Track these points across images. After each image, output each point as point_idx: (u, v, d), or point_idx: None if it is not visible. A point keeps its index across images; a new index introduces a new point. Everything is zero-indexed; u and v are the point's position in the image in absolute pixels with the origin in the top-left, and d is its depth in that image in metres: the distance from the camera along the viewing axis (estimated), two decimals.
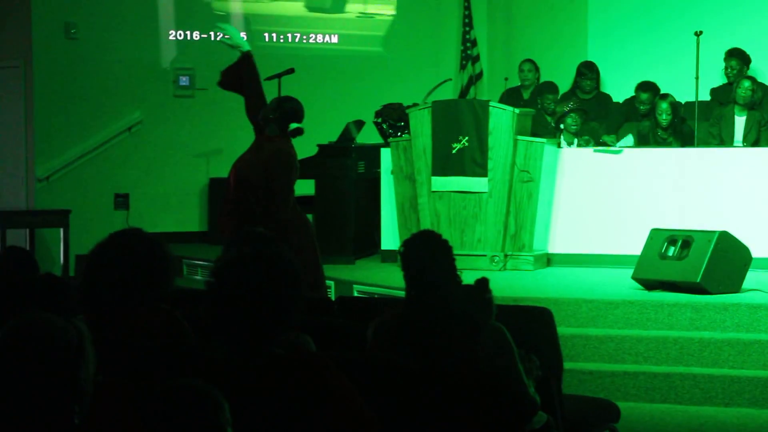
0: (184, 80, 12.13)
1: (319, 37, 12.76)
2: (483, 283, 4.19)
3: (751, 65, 11.14)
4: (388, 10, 13.12)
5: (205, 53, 12.22)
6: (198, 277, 10.31)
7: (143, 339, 4.07)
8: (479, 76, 12.88)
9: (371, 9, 13.04)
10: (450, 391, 4.01)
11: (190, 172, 11.91)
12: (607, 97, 11.67)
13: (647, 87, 11.24)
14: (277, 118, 7.53)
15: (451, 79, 12.20)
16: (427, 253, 4.19)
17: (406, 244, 4.27)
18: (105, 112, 11.74)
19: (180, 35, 12.14)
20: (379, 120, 10.64)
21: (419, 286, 4.14)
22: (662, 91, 10.54)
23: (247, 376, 3.33)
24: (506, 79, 12.43)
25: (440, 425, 3.98)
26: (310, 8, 12.78)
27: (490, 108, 9.46)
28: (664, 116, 10.08)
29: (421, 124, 9.57)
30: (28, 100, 11.49)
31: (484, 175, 9.41)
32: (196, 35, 12.21)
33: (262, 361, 3.34)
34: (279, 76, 10.52)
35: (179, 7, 12.16)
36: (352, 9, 12.95)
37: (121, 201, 11.71)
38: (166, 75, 12.09)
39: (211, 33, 12.27)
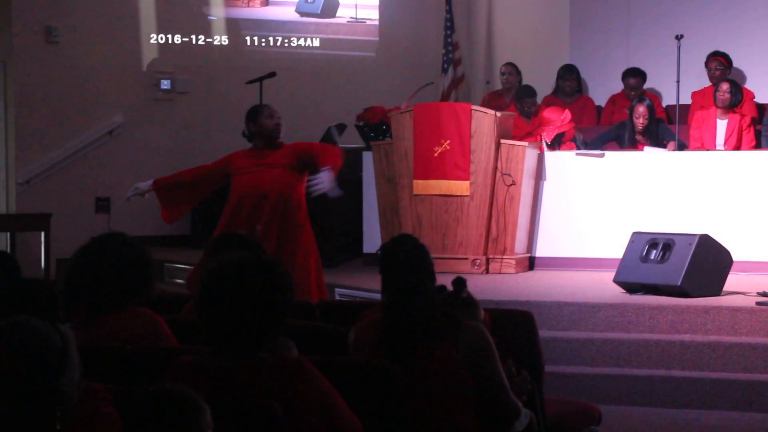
0: (165, 83, 12.11)
1: (301, 41, 12.76)
2: (459, 282, 4.19)
3: (733, 68, 11.19)
4: (377, 15, 13.13)
5: (186, 57, 12.21)
6: (179, 281, 10.28)
7: (124, 343, 4.07)
8: (461, 79, 12.89)
9: (361, 14, 13.05)
10: (431, 393, 4.02)
11: None
12: (589, 100, 11.72)
13: (635, 72, 11.28)
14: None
15: (432, 83, 12.21)
16: (405, 256, 4.19)
17: (384, 248, 4.27)
18: (86, 116, 11.71)
19: (161, 38, 12.12)
20: (361, 123, 10.65)
21: (397, 289, 4.15)
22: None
23: (231, 379, 3.33)
24: (488, 82, 12.46)
25: (422, 427, 3.99)
26: (302, 13, 12.79)
27: (472, 111, 9.47)
28: (641, 120, 10.11)
29: (403, 127, 9.58)
30: (8, 104, 11.46)
31: (466, 178, 9.42)
32: (177, 38, 12.19)
33: (246, 365, 3.34)
34: (260, 79, 10.52)
35: (160, 10, 12.15)
36: (342, 14, 12.96)
37: (103, 204, 11.67)
38: (147, 78, 12.07)
39: (192, 36, 12.26)
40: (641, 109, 10.13)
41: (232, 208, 7.30)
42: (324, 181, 7.03)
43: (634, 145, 10.12)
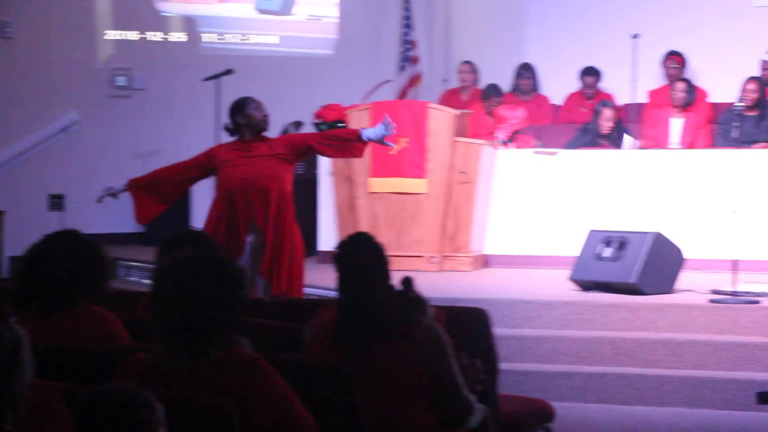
0: (120, 80, 12.06)
1: (258, 39, 12.75)
2: (407, 281, 4.19)
3: (688, 68, 11.29)
4: (335, 13, 13.13)
5: (142, 53, 12.15)
6: (134, 279, 10.24)
7: (78, 341, 4.05)
8: (418, 77, 12.91)
9: (319, 12, 13.04)
10: (386, 391, 4.03)
11: (127, 173, 11.67)
12: (546, 99, 11.77)
13: (591, 71, 11.37)
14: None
15: (390, 81, 12.23)
16: (361, 254, 4.20)
17: (341, 246, 4.28)
18: (40, 113, 11.64)
19: (117, 35, 12.07)
20: (318, 121, 10.64)
21: (353, 287, 4.15)
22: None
23: (184, 377, 3.33)
24: (445, 80, 12.49)
25: (377, 425, 4.00)
26: (260, 10, 12.77)
27: (429, 109, 9.49)
28: (609, 123, 10.16)
29: (360, 125, 9.57)
30: None
31: (423, 176, 9.44)
32: (133, 35, 12.14)
33: (200, 363, 3.34)
34: (218, 76, 10.50)
35: (116, 6, 12.09)
36: (300, 11, 12.95)
37: (57, 202, 11.60)
38: (103, 75, 12.01)
39: (149, 33, 12.20)
40: (608, 113, 10.19)
41: (225, 201, 7.11)
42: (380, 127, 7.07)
43: (597, 146, 10.18)
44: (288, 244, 7.12)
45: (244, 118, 7.18)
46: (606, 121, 10.16)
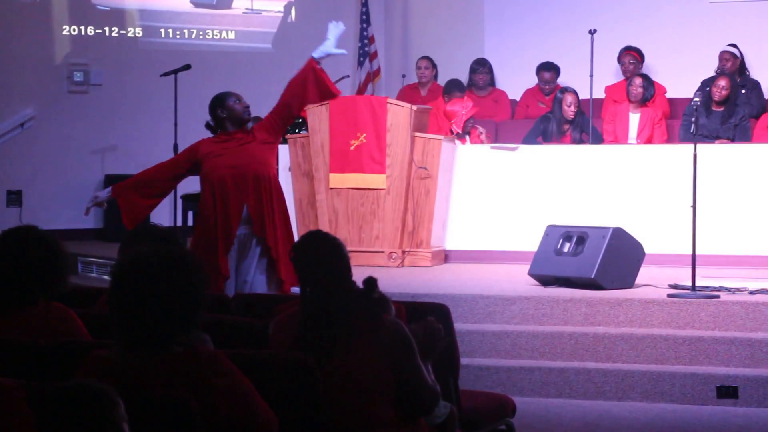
0: (78, 76, 11.97)
1: (215, 34, 12.68)
2: (370, 282, 4.18)
3: (645, 63, 11.36)
4: (276, 7, 13.07)
5: (100, 49, 12.07)
6: (93, 275, 10.18)
7: (37, 338, 4.02)
8: (377, 73, 12.91)
9: (258, 5, 12.97)
10: (350, 388, 4.03)
11: (85, 168, 11.76)
12: (503, 94, 11.80)
13: (549, 66, 11.41)
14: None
15: (348, 76, 12.21)
16: (317, 254, 4.18)
17: (296, 248, 4.26)
18: None
19: (74, 30, 11.98)
20: None
21: (313, 287, 4.14)
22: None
23: (144, 374, 3.31)
24: (404, 76, 12.50)
25: (341, 422, 3.99)
26: (196, 4, 12.67)
27: (388, 105, 9.49)
28: (573, 108, 10.23)
29: (319, 120, 9.58)
30: None
31: (382, 171, 9.44)
32: (90, 30, 12.06)
33: (159, 360, 3.32)
34: (175, 72, 10.45)
35: (73, 2, 12.00)
36: (239, 5, 12.87)
37: (14, 198, 11.52)
38: (60, 70, 11.92)
39: (106, 28, 12.12)
40: (570, 98, 10.26)
41: (214, 193, 6.98)
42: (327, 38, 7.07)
43: (562, 135, 10.22)
44: (289, 230, 7.10)
45: (226, 111, 7.13)
46: (569, 105, 10.23)
